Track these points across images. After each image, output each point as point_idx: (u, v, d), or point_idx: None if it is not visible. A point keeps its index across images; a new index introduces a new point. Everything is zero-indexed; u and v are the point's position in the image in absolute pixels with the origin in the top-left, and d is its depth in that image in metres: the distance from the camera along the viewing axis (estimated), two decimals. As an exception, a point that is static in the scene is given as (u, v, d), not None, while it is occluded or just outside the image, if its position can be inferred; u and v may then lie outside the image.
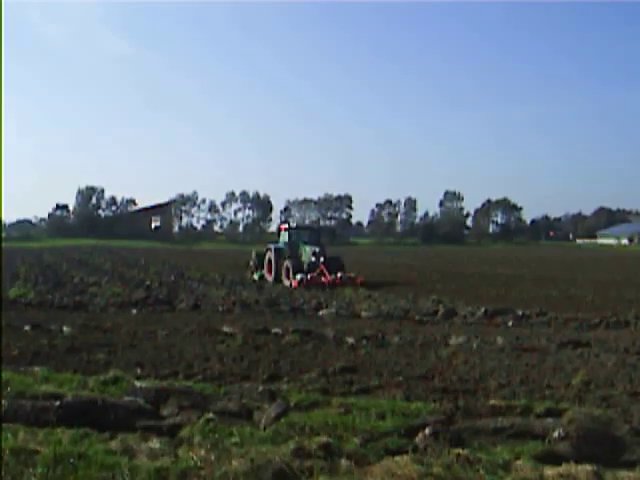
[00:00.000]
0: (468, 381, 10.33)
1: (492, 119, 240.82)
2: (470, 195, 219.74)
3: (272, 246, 33.63)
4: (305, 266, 31.03)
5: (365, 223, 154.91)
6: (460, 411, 7.70)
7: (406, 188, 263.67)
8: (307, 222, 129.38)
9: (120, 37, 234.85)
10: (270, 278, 32.41)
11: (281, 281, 31.17)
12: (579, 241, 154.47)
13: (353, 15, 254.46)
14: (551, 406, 7.94)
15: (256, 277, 33.78)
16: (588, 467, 5.72)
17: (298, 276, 29.73)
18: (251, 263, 35.28)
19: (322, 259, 30.87)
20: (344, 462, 5.75)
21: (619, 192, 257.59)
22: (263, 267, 33.73)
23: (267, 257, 33.28)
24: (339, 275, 30.06)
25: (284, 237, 34.19)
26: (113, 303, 20.95)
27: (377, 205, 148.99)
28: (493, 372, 11.02)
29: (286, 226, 35.74)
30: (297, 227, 37.78)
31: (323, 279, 29.69)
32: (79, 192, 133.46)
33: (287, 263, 31.25)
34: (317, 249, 31.61)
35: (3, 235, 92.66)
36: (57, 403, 7.20)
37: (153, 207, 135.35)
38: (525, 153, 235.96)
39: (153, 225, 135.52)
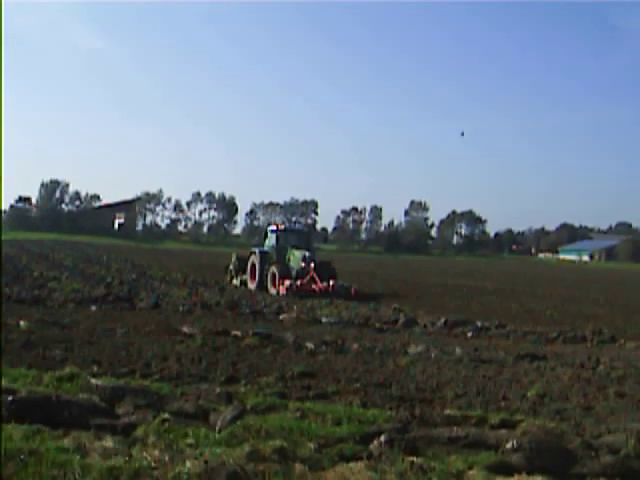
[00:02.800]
0: (425, 390, 10.39)
1: (470, 128, 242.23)
2: (436, 206, 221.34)
3: (257, 249, 31.20)
4: (293, 272, 28.54)
5: (330, 229, 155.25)
6: (416, 420, 7.73)
7: (373, 196, 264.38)
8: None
9: (90, 31, 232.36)
10: (253, 285, 29.93)
11: (266, 288, 28.70)
12: (541, 255, 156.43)
13: (331, 18, 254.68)
14: (506, 417, 8.01)
15: (236, 283, 31.55)
16: (539, 478, 5.79)
17: (287, 282, 27.25)
18: (231, 267, 32.69)
19: (312, 265, 28.39)
20: (298, 467, 5.74)
21: (582, 209, 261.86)
22: (245, 272, 31.12)
23: (250, 261, 30.74)
24: (332, 283, 27.73)
25: (271, 240, 31.49)
26: (72, 299, 20.68)
27: (342, 212, 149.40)
28: (450, 382, 11.10)
29: (273, 228, 32.96)
30: (285, 229, 34.08)
31: (314, 287, 27.40)
32: (42, 185, 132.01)
33: (273, 268, 28.74)
34: (307, 253, 29.18)
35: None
36: (10, 398, 7.08)
37: (118, 204, 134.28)
38: (496, 166, 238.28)
39: (117, 222, 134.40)
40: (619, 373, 12.41)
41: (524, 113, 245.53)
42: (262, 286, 29.12)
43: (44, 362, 10.84)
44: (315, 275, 27.94)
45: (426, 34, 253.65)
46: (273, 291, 28.03)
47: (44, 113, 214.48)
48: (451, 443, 6.87)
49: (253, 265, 30.43)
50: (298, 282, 27.43)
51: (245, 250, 36.54)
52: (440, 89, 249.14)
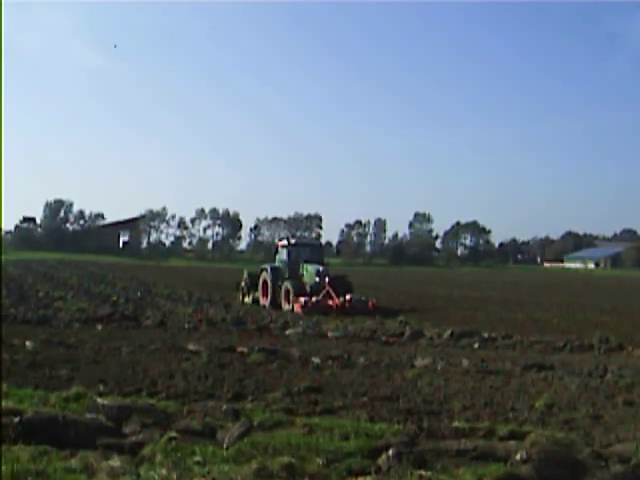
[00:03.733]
0: (432, 403, 10.35)
1: (472, 138, 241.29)
2: (440, 217, 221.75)
3: (268, 265, 30.41)
4: (308, 288, 27.55)
5: (334, 243, 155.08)
6: (424, 433, 7.70)
7: (376, 209, 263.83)
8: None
9: (91, 47, 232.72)
10: (265, 302, 28.87)
11: (279, 305, 27.77)
12: (546, 264, 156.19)
13: (333, 31, 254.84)
14: (514, 429, 7.98)
15: (248, 300, 30.54)
16: (549, 490, 5.76)
17: (302, 299, 26.07)
18: (242, 284, 31.69)
19: (327, 279, 27.44)
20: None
21: (587, 217, 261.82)
22: (256, 289, 30.08)
23: (262, 278, 29.63)
24: (348, 298, 26.56)
25: (282, 255, 30.48)
26: (78, 318, 20.71)
27: (347, 225, 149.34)
28: (457, 394, 11.05)
29: (284, 242, 31.80)
30: (297, 243, 32.94)
31: (330, 302, 26.22)
32: (47, 205, 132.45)
33: (287, 284, 27.72)
34: (321, 268, 28.31)
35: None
36: (17, 419, 7.07)
37: (122, 222, 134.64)
38: (499, 175, 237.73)
39: (121, 240, 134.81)
40: (627, 381, 12.35)
41: (525, 122, 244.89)
42: (275, 303, 28.25)
43: (50, 382, 10.85)
44: (331, 290, 26.92)
45: (428, 45, 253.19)
46: (287, 308, 27.14)
47: (47, 132, 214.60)
48: (460, 455, 6.84)
49: (265, 282, 29.47)
50: (314, 299, 26.29)
51: (251, 266, 36.30)
52: (442, 100, 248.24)
